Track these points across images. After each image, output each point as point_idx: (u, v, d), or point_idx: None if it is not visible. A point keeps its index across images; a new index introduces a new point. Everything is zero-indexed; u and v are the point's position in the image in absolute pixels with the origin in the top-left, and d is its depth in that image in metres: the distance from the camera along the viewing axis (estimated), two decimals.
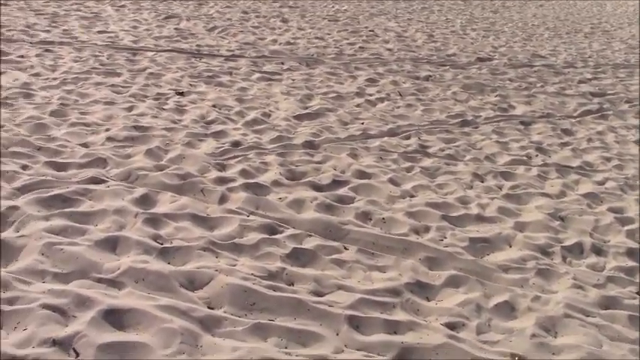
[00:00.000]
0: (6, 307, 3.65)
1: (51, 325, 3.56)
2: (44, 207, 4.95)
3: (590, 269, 5.10)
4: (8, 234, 4.46)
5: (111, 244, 4.52)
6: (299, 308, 4.04)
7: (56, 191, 5.20)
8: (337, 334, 3.88)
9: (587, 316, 4.42)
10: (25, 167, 5.66)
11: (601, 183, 7.19)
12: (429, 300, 4.47)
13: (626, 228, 5.99)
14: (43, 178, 5.42)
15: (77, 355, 3.37)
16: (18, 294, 3.77)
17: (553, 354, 3.95)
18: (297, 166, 6.57)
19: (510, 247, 5.37)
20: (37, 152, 6.05)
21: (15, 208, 4.79)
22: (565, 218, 6.05)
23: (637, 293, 4.75)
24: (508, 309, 4.40)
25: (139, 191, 5.41)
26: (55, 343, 3.42)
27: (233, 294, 4.07)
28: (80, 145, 6.42)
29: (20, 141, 6.18)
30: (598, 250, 5.48)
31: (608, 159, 8.05)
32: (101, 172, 5.70)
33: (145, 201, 5.26)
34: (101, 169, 5.82)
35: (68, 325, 3.60)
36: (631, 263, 5.32)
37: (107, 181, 5.60)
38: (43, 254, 4.25)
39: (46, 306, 3.69)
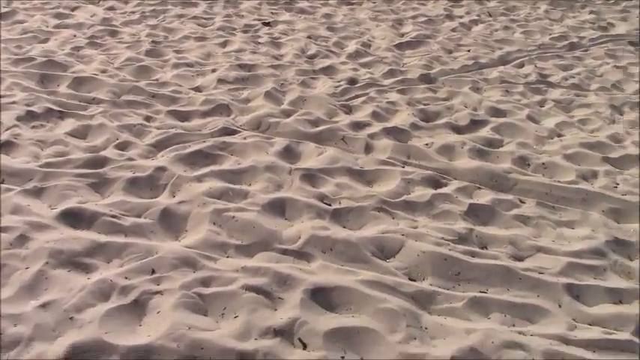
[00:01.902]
0: (206, 290, 3.22)
1: (263, 311, 3.15)
2: (188, 165, 4.49)
3: None
4: (167, 200, 3.99)
5: (279, 208, 4.08)
6: (509, 277, 3.62)
7: (194, 146, 4.72)
8: (560, 306, 3.45)
9: None
10: (149, 119, 5.14)
11: None
12: (631, 259, 3.99)
13: None
14: (174, 131, 4.91)
15: (305, 346, 2.98)
16: (212, 274, 3.36)
17: None
18: (425, 104, 6.00)
19: None
20: (153, 100, 5.51)
21: (162, 169, 4.32)
22: None
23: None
24: None
25: (279, 142, 4.91)
26: (276, 332, 3.00)
27: (434, 264, 3.65)
28: (193, 89, 5.88)
29: (132, 88, 5.63)
30: None
31: None
32: (229, 122, 5.20)
33: (289, 154, 4.78)
34: (227, 117, 5.31)
35: (278, 310, 3.19)
36: None
37: (240, 132, 5.08)
38: (214, 223, 3.81)
39: (248, 287, 3.29)
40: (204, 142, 4.83)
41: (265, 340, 3.01)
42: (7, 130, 4.69)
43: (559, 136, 5.62)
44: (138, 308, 3.15)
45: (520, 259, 3.86)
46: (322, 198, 4.24)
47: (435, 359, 3.00)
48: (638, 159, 5.27)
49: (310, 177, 4.48)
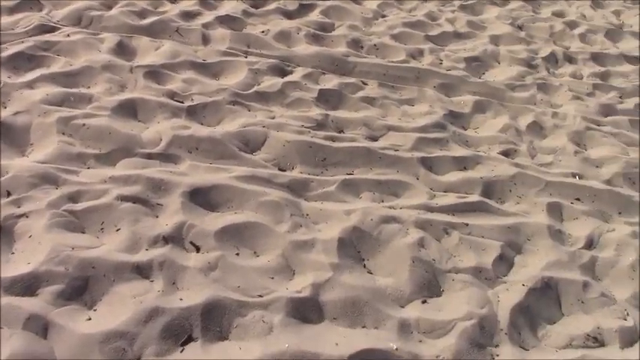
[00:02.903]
0: (77, 206, 3.04)
1: (145, 220, 3.07)
2: (11, 71, 4.05)
3: (573, 78, 5.36)
4: (0, 112, 3.58)
5: (130, 110, 3.88)
6: (370, 157, 3.89)
7: (12, 48, 4.21)
8: (417, 179, 3.81)
9: (599, 125, 4.72)
10: None
11: None
12: (465, 129, 4.47)
13: (575, 32, 6.25)
14: None
15: (198, 249, 2.99)
16: (78, 188, 3.16)
17: (597, 167, 4.22)
18: None
19: (499, 63, 5.42)
20: None
21: None
22: (523, 26, 6.16)
23: None
24: (538, 128, 4.55)
25: (109, 38, 4.55)
26: (166, 240, 2.97)
27: (300, 152, 3.78)
28: None
29: None
30: (569, 58, 5.72)
31: None
32: (45, 18, 4.66)
33: (124, 50, 4.48)
34: (39, 13, 4.74)
35: (160, 217, 3.13)
36: (599, 67, 5.64)
37: (60, 28, 4.60)
38: (63, 133, 3.53)
39: (123, 197, 3.15)
40: (22, 42, 4.28)
41: (157, 249, 2.93)
42: None
43: (383, 17, 5.84)
44: (4, 235, 2.87)
45: (375, 139, 4.09)
46: (172, 95, 4.05)
47: (324, 241, 3.11)
48: (453, 35, 5.67)
49: (154, 74, 4.24)
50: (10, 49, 4.16)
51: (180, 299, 2.68)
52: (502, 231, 3.40)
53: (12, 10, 4.70)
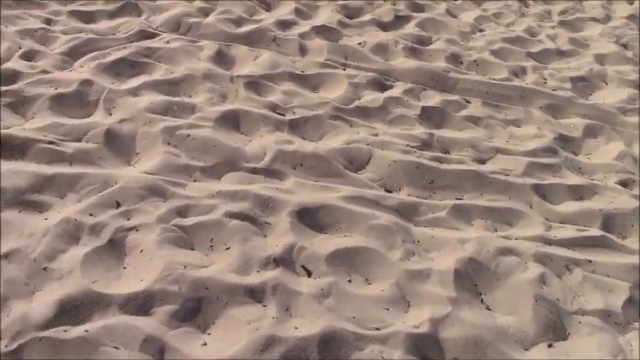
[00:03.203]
0: (186, 222, 2.93)
1: (254, 240, 2.93)
2: (114, 77, 3.97)
3: None
4: (105, 119, 3.53)
5: (232, 121, 3.77)
6: (480, 181, 3.67)
7: (115, 54, 4.16)
8: (531, 207, 3.56)
9: None
10: (49, 21, 4.45)
11: (630, 1, 6.94)
12: (576, 154, 4.19)
13: None
14: (85, 36, 4.29)
15: (309, 273, 2.83)
16: (186, 202, 3.05)
17: None
18: None
19: (607, 84, 5.11)
20: None
21: (88, 82, 3.78)
22: (628, 45, 5.82)
23: None
24: None
25: (209, 46, 4.45)
26: (276, 262, 2.82)
27: (407, 173, 3.59)
28: None
29: None
30: None
31: None
32: (144, 23, 4.61)
33: (223, 59, 4.38)
34: (139, 18, 4.70)
35: (268, 236, 2.98)
36: None
37: (159, 35, 4.54)
38: (169, 143, 3.46)
39: (232, 215, 3.02)
40: (124, 47, 4.24)
41: (268, 271, 2.79)
42: None
43: (480, 31, 5.61)
44: (116, 249, 2.78)
45: (482, 161, 3.88)
46: (274, 108, 3.93)
47: (439, 272, 2.92)
48: (555, 53, 5.40)
49: (254, 84, 4.14)
50: (113, 55, 4.13)
51: (296, 328, 2.54)
52: (629, 270, 3.15)
53: (112, 15, 4.70)
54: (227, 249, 2.88)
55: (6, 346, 2.27)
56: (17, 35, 4.15)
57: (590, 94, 4.91)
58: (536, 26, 5.87)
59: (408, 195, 3.47)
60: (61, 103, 3.61)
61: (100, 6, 4.78)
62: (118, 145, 3.41)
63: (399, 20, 5.49)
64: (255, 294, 2.67)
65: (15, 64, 3.86)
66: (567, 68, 5.18)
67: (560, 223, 3.48)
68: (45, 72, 3.83)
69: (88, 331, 2.34)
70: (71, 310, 2.43)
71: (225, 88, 4.04)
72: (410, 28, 5.38)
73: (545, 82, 4.88)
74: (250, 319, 2.54)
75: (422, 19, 5.55)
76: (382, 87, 4.43)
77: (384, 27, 5.35)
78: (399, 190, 3.51)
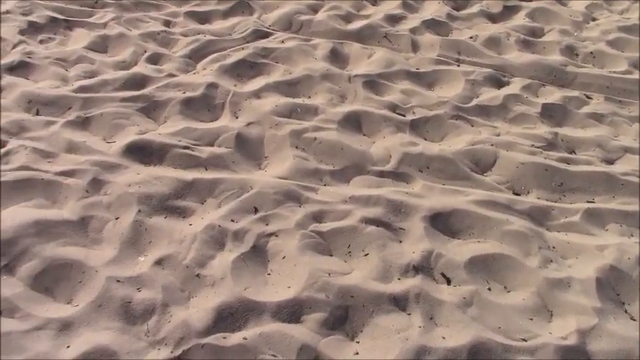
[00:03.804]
0: (323, 227, 2.95)
1: (391, 246, 2.93)
2: (236, 78, 4.05)
3: None
4: (232, 122, 3.59)
5: (354, 123, 3.80)
6: (611, 184, 3.55)
7: (234, 55, 4.26)
8: None
9: None
10: (168, 23, 4.56)
11: None
12: None
13: None
14: (204, 37, 4.39)
15: (449, 281, 2.81)
16: (321, 207, 3.09)
17: None
18: None
19: None
20: (161, 0, 4.86)
21: (213, 85, 3.87)
22: None
23: None
24: None
25: (322, 45, 4.47)
26: (416, 269, 2.81)
27: (536, 175, 3.50)
28: None
29: None
30: None
31: None
32: (258, 23, 4.66)
33: (337, 57, 4.39)
34: (251, 17, 4.76)
35: (403, 242, 2.98)
36: None
37: (273, 34, 4.59)
38: (297, 147, 3.48)
39: (367, 220, 3.05)
40: (242, 48, 4.33)
41: (408, 278, 2.81)
42: (14, 47, 3.99)
43: (593, 20, 5.39)
44: (259, 255, 2.85)
45: (610, 161, 3.76)
46: (394, 108, 3.92)
47: (580, 280, 2.86)
48: None
49: (372, 84, 4.14)
50: (233, 56, 4.21)
51: (443, 337, 2.55)
52: None
53: (226, 15, 4.78)
54: (365, 255, 2.91)
55: (171, 352, 2.37)
56: (141, 39, 4.28)
57: None
58: None
59: (538, 198, 3.41)
60: (190, 106, 3.71)
61: (213, 6, 4.87)
62: (248, 148, 3.48)
63: (508, 11, 5.37)
64: (399, 302, 2.69)
65: (142, 68, 3.99)
66: None
67: None
68: (171, 75, 3.94)
69: (246, 339, 2.43)
70: (228, 317, 2.51)
71: (344, 88, 4.06)
72: (520, 19, 5.24)
73: None
74: (398, 328, 2.57)
75: (531, 8, 5.39)
76: (499, 83, 4.35)
77: (493, 18, 5.23)
78: (528, 192, 3.45)
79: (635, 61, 4.77)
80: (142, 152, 3.32)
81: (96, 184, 3.08)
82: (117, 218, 2.94)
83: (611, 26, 5.23)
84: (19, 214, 2.81)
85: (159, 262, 2.73)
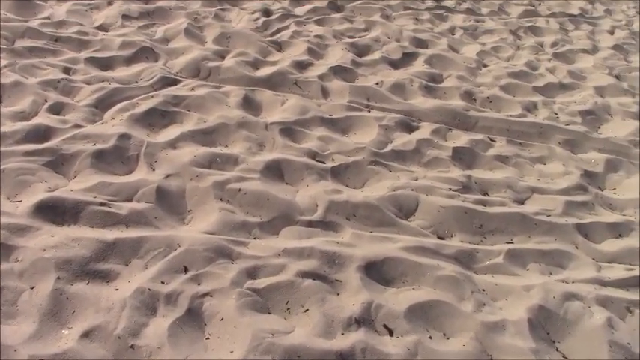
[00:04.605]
0: (259, 283, 2.88)
1: (330, 300, 2.92)
2: (147, 128, 3.90)
3: None
4: (150, 175, 3.45)
5: (276, 172, 3.80)
6: (525, 224, 3.75)
7: (143, 104, 4.09)
8: (577, 247, 3.64)
9: None
10: (68, 70, 4.33)
11: (611, 32, 7.24)
12: (602, 190, 4.33)
13: None
14: (109, 85, 4.20)
15: (391, 332, 2.83)
16: (255, 262, 3.00)
17: None
18: (350, 37, 5.78)
19: (612, 117, 5.30)
20: (58, 45, 4.64)
21: (125, 136, 3.71)
22: (620, 76, 6.06)
23: None
24: None
25: (234, 92, 4.43)
26: (358, 322, 2.82)
27: (457, 219, 3.62)
28: (97, 28, 5.02)
29: (26, 30, 4.67)
30: None
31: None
32: (165, 69, 4.54)
33: (250, 105, 4.34)
34: (156, 63, 4.63)
35: (341, 294, 2.98)
36: None
37: (181, 80, 4.49)
38: (221, 199, 3.39)
39: (303, 274, 3.00)
40: (151, 96, 4.17)
41: (352, 332, 2.77)
42: None
43: (484, 66, 5.72)
44: (195, 318, 2.71)
45: (521, 202, 3.95)
46: (313, 155, 3.93)
47: (513, 322, 2.95)
48: (559, 86, 5.56)
49: (288, 131, 4.12)
50: (143, 105, 4.05)
51: None
52: None
53: (129, 61, 4.61)
54: (305, 311, 2.84)
55: None
56: (40, 87, 4.01)
57: (599, 127, 5.07)
58: (535, 59, 6.03)
59: (462, 241, 3.49)
60: (102, 159, 3.50)
61: (115, 51, 4.67)
62: (170, 202, 3.33)
63: (408, 57, 5.58)
64: (346, 359, 2.62)
65: (45, 118, 3.73)
66: (574, 102, 5.34)
67: (608, 262, 3.56)
68: (78, 126, 3.72)
69: None
70: None
71: (261, 136, 4.00)
72: (419, 65, 5.45)
73: (557, 117, 5.01)
74: None
75: (428, 55, 5.62)
76: (410, 128, 4.47)
77: (394, 65, 5.40)
78: (451, 236, 3.53)
79: (527, 105, 5.07)
80: (54, 211, 3.06)
81: (5, 250, 2.79)
82: (32, 287, 2.67)
83: (501, 72, 5.56)
84: None
85: (86, 334, 2.50)
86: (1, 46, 4.33)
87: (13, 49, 4.39)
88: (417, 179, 3.90)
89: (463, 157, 4.25)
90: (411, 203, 3.66)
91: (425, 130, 4.43)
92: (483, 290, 3.16)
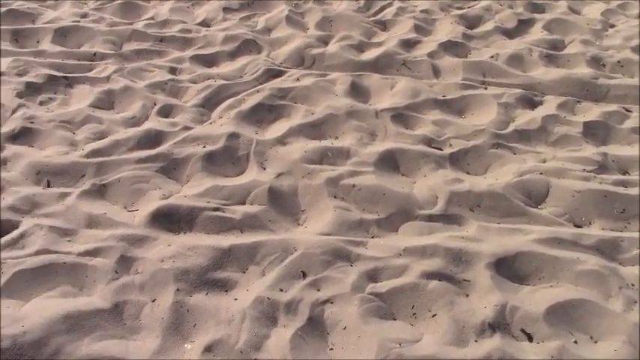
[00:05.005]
0: (381, 287, 2.64)
1: (459, 303, 2.63)
2: (256, 125, 3.76)
3: None
4: (261, 175, 3.29)
5: (391, 163, 3.56)
6: None
7: (250, 100, 3.97)
8: None
9: None
10: (174, 70, 4.28)
11: None
12: None
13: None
14: (214, 83, 4.12)
15: (530, 337, 2.51)
16: (375, 264, 2.78)
17: None
18: (458, 8, 5.39)
19: None
20: (163, 45, 4.60)
21: (234, 135, 3.61)
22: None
23: None
24: None
25: (340, 79, 4.22)
26: (492, 327, 2.52)
27: (595, 203, 3.22)
28: (199, 24, 4.93)
29: (131, 32, 4.64)
30: None
31: None
32: (268, 61, 4.38)
33: (357, 91, 4.11)
34: (260, 55, 4.48)
35: (470, 295, 2.69)
36: None
37: (286, 71, 4.31)
38: (335, 196, 3.18)
39: (427, 275, 2.73)
40: (257, 91, 4.04)
41: (486, 339, 2.50)
42: (14, 113, 3.68)
43: (612, 26, 5.16)
44: (317, 327, 2.55)
45: None
46: (429, 142, 3.65)
47: None
48: None
49: (400, 117, 3.87)
50: (249, 101, 3.93)
51: None
52: None
53: (232, 55, 4.51)
54: (433, 316, 2.61)
55: None
56: (148, 90, 3.98)
57: None
58: None
59: (602, 229, 3.12)
60: (212, 161, 3.41)
61: (218, 47, 4.59)
62: (283, 203, 3.19)
63: (524, 25, 5.15)
64: None
65: (155, 122, 3.69)
66: None
67: None
68: (187, 128, 3.65)
69: None
70: None
71: (372, 124, 3.78)
72: (537, 32, 5.01)
73: None
74: None
75: (546, 20, 5.16)
76: (532, 104, 4.10)
77: (509, 34, 4.99)
78: (590, 224, 3.17)
79: None
80: (170, 219, 3.00)
81: (125, 263, 2.75)
82: (153, 300, 2.61)
83: (631, 32, 5.00)
84: (45, 307, 2.48)
85: (209, 349, 2.41)
86: (109, 52, 4.36)
87: (121, 53, 4.41)
88: (545, 161, 3.55)
89: (596, 132, 3.84)
90: (541, 189, 3.33)
91: (550, 105, 4.04)
92: (633, 285, 2.80)
